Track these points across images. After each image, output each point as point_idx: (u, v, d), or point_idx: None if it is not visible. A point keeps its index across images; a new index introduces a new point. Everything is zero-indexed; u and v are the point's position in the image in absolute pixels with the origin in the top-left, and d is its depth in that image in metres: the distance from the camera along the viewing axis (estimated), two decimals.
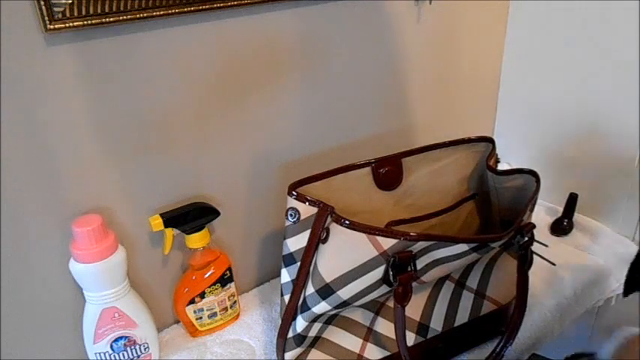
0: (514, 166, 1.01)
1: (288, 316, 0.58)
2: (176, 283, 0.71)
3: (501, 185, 0.67)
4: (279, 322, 0.60)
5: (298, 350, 0.60)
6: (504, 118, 1.03)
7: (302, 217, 0.55)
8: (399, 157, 0.68)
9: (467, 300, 0.63)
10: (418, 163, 0.69)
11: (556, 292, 0.76)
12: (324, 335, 0.60)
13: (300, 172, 0.79)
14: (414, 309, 0.61)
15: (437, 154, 0.69)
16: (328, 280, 0.53)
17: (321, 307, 0.55)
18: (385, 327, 0.61)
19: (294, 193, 0.56)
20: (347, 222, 0.51)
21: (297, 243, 0.56)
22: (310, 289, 0.55)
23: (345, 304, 0.55)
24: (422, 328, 0.62)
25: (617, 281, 0.81)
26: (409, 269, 0.53)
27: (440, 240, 0.53)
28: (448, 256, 0.54)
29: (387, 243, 0.51)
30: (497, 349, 0.61)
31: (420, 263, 0.54)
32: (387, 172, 0.67)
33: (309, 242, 0.55)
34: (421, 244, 0.52)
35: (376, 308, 0.60)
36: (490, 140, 0.69)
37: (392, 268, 0.52)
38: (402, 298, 0.54)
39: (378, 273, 0.53)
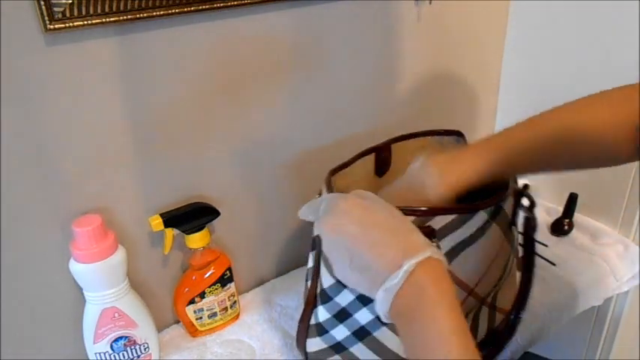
0: None
1: (309, 302, 0.57)
2: (176, 283, 0.71)
3: None
4: (281, 322, 0.59)
5: (319, 341, 0.58)
6: (505, 118, 1.03)
7: None
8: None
9: (484, 314, 0.62)
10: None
11: (555, 292, 0.76)
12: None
13: (300, 171, 0.79)
14: None
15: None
16: None
17: (344, 296, 0.53)
18: None
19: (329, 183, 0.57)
20: None
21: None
22: (329, 281, 0.53)
23: None
24: None
25: (617, 281, 0.81)
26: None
27: (452, 212, 0.52)
28: (471, 236, 0.53)
29: None
30: (512, 317, 0.61)
31: (444, 247, 0.53)
32: (384, 158, 0.70)
33: None
34: (439, 221, 0.52)
35: None
36: (459, 134, 0.70)
37: None
38: None
39: None
